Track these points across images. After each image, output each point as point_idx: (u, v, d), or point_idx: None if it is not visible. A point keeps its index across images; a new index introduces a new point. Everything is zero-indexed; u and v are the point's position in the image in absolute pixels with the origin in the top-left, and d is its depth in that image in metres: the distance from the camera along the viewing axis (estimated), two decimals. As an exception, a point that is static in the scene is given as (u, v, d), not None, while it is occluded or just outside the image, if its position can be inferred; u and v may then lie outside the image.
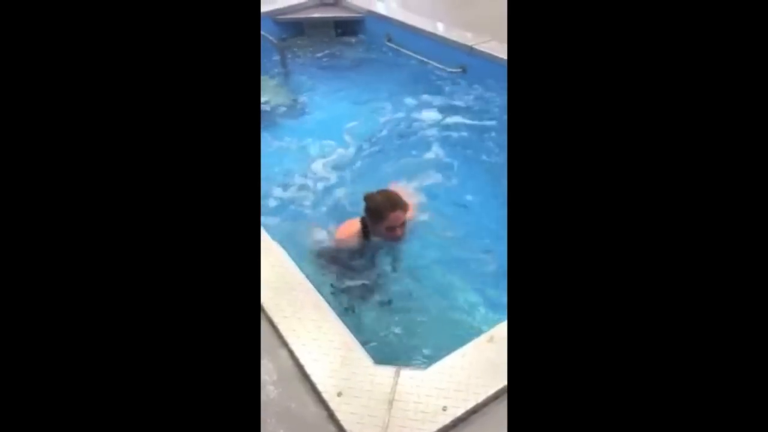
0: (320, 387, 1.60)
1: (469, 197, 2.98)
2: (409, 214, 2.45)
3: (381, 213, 2.32)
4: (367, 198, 2.40)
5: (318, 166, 3.33)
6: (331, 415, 1.54)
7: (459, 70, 4.06)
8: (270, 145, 3.47)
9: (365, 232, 2.45)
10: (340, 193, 3.06)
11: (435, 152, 3.38)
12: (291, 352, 1.73)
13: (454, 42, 4.13)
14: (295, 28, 5.17)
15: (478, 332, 1.80)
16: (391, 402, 1.55)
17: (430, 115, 3.79)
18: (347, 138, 3.56)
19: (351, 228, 2.49)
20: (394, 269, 2.44)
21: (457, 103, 3.89)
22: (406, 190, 2.71)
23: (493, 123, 3.58)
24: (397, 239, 2.41)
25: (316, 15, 5.13)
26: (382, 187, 2.50)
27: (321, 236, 2.61)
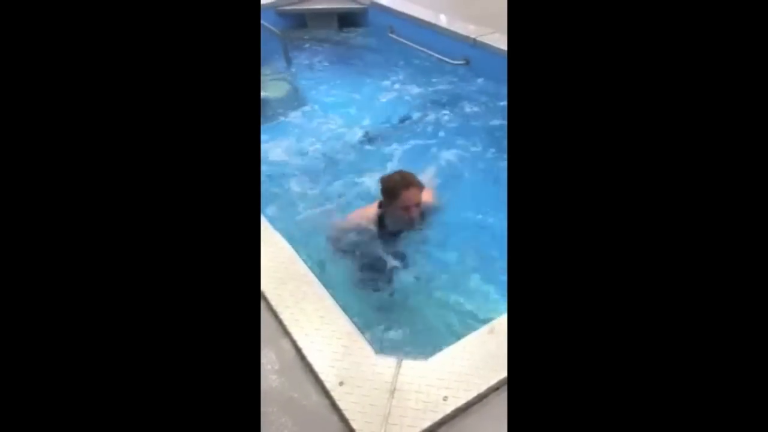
0: (322, 376, 1.62)
1: (471, 189, 2.99)
2: (426, 196, 2.40)
3: (394, 191, 2.28)
4: (383, 179, 2.38)
5: (319, 157, 3.34)
6: (333, 405, 1.56)
7: (462, 62, 4.05)
8: (271, 136, 3.47)
9: (381, 214, 2.43)
10: (341, 183, 3.07)
11: (438, 145, 3.38)
12: (293, 342, 1.74)
13: (457, 34, 4.11)
14: (298, 19, 5.16)
15: (479, 324, 1.81)
16: (392, 392, 1.56)
17: (433, 107, 3.79)
18: (349, 130, 3.57)
19: (367, 211, 2.48)
20: (399, 261, 2.43)
21: (460, 95, 3.88)
22: (425, 176, 2.68)
23: (496, 116, 3.58)
24: (412, 221, 2.36)
25: (318, 6, 5.12)
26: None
27: (327, 224, 2.60)
